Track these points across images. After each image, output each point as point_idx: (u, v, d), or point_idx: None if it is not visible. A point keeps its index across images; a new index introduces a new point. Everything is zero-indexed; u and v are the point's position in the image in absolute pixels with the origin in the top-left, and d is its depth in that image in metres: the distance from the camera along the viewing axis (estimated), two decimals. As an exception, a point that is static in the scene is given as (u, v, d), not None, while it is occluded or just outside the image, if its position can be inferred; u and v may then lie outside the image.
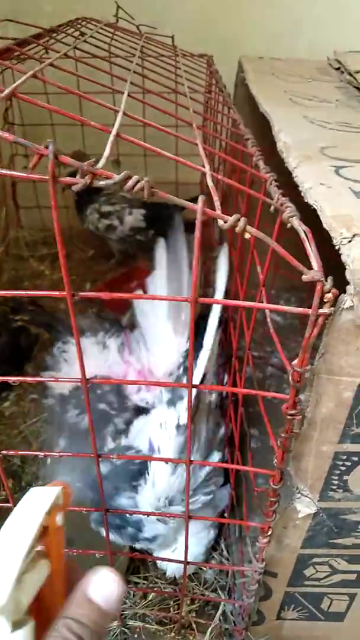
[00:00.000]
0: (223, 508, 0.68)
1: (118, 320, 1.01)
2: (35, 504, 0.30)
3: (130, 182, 0.28)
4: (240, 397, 0.57)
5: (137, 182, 0.28)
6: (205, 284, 1.20)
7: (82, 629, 0.26)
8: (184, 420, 0.66)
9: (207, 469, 0.67)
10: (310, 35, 1.30)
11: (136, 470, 0.63)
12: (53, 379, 0.79)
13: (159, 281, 0.81)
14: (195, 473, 0.66)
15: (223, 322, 0.86)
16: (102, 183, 0.28)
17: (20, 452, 0.68)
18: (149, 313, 0.85)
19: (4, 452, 0.42)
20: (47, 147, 0.26)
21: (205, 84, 0.88)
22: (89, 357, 0.85)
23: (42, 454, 0.48)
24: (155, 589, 0.67)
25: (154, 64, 0.74)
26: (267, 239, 0.30)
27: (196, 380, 0.65)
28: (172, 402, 0.68)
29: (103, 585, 0.28)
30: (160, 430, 0.67)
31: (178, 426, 0.65)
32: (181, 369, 0.76)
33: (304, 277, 0.30)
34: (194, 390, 0.65)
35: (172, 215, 1.35)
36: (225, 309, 0.83)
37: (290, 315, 1.21)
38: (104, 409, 0.76)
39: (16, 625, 0.25)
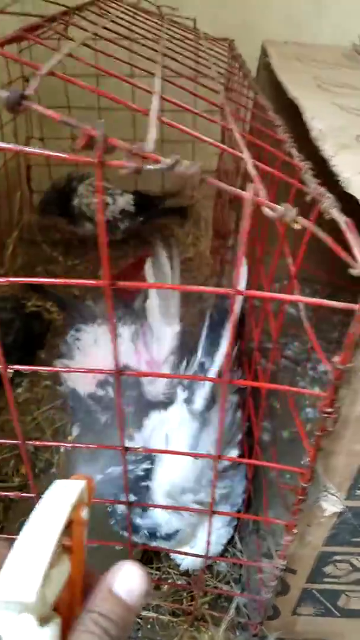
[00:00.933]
0: (240, 502, 0.67)
1: (130, 307, 1.00)
2: (61, 498, 0.29)
3: (181, 167, 0.26)
4: (264, 391, 0.56)
5: (191, 167, 0.26)
6: (220, 273, 1.19)
7: (109, 623, 0.26)
8: (199, 406, 0.65)
9: (225, 463, 0.67)
10: (334, 20, 1.27)
11: (143, 476, 0.62)
12: (84, 370, 0.78)
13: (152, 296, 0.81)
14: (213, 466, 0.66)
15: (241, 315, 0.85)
16: (151, 167, 0.26)
17: (49, 443, 0.68)
18: (150, 308, 0.85)
19: (34, 442, 0.41)
20: (96, 129, 0.25)
21: (227, 68, 0.86)
22: (101, 346, 0.85)
23: (69, 445, 0.48)
24: (169, 580, 0.67)
25: (179, 46, 0.72)
26: (317, 231, 0.29)
27: (212, 373, 0.64)
28: (189, 390, 0.67)
29: (128, 580, 0.28)
30: (176, 420, 0.67)
31: (193, 413, 0.65)
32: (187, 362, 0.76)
33: (354, 271, 0.29)
34: (209, 384, 0.64)
35: (157, 205, 1.35)
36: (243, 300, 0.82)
37: (304, 307, 1.20)
38: (123, 402, 0.76)
39: (43, 621, 0.24)
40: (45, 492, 0.30)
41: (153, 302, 0.80)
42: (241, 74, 0.86)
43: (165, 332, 0.77)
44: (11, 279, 0.30)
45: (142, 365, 0.80)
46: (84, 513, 0.29)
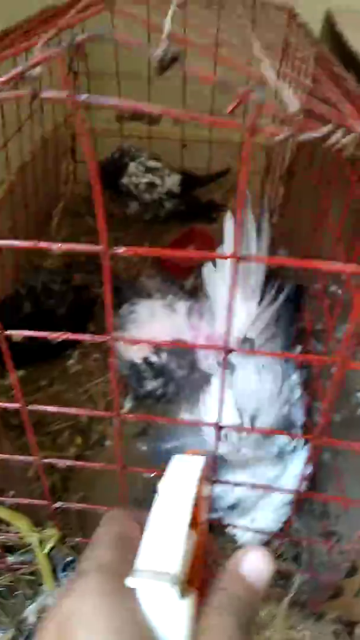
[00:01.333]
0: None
1: (182, 285, 1.00)
2: (187, 474, 0.29)
3: (338, 134, 0.25)
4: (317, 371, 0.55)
5: (345, 135, 0.25)
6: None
7: (240, 603, 0.26)
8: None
9: (286, 443, 0.66)
10: None
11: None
12: (189, 345, 0.77)
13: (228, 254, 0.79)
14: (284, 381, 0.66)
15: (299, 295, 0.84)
16: (306, 136, 0.25)
17: (155, 418, 0.67)
18: (217, 281, 0.84)
19: (127, 415, 0.41)
20: (253, 92, 0.23)
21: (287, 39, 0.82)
22: (157, 320, 0.84)
23: (160, 419, 0.47)
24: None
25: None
26: None
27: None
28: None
29: (256, 564, 0.28)
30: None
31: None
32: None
33: None
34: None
35: (203, 185, 1.32)
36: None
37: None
38: (182, 376, 0.76)
39: (184, 593, 0.25)
40: (166, 466, 0.30)
41: (227, 272, 0.78)
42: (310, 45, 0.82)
43: (240, 307, 0.76)
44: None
45: (199, 340, 0.80)
46: (206, 489, 0.29)
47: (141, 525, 0.29)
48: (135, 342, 0.81)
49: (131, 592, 0.23)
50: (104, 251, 0.30)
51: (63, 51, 0.23)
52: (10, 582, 0.65)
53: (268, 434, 0.66)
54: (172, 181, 1.27)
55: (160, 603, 0.24)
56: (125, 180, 1.24)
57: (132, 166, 1.24)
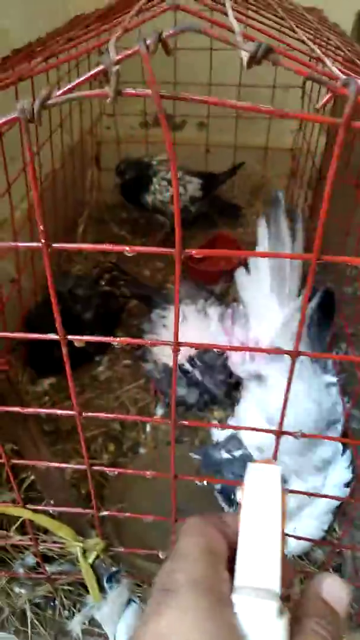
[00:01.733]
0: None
1: (212, 290, 0.99)
2: (268, 484, 0.28)
3: None
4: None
5: None
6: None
7: (331, 628, 0.26)
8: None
9: (325, 451, 0.65)
10: None
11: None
12: (243, 348, 0.76)
13: (260, 265, 0.78)
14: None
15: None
16: None
17: (209, 424, 0.66)
18: (251, 286, 0.82)
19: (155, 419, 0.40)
20: (348, 85, 0.22)
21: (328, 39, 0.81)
22: (190, 325, 0.83)
23: (220, 426, 0.46)
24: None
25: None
26: None
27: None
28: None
29: (335, 590, 0.28)
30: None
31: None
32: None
33: None
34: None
35: (223, 182, 1.31)
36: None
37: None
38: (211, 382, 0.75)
39: (280, 612, 0.24)
40: (244, 476, 0.29)
41: (264, 276, 0.77)
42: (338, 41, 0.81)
43: (276, 314, 0.75)
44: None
45: (234, 345, 0.78)
46: (286, 499, 0.28)
47: (223, 534, 0.28)
48: (197, 345, 0.80)
49: (228, 608, 0.22)
50: (177, 252, 0.29)
51: (151, 46, 0.23)
52: (49, 592, 0.64)
53: (311, 440, 0.64)
54: (194, 187, 1.27)
55: (259, 620, 0.23)
56: (149, 198, 1.24)
57: (155, 182, 1.23)
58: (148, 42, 0.23)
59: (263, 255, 0.78)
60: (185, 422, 0.41)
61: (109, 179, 1.35)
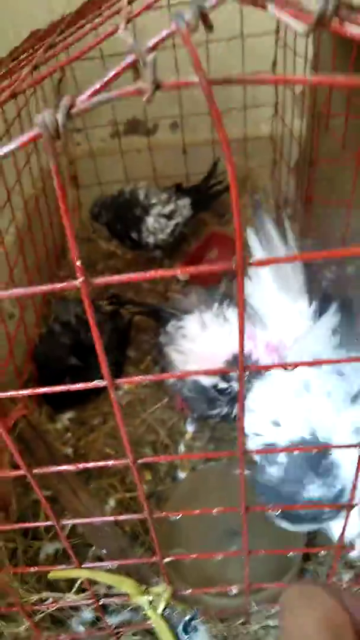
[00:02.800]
0: None
1: (215, 292, 0.94)
2: None
3: None
4: None
5: None
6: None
7: None
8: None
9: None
10: None
11: (317, 457, 0.56)
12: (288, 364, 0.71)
13: (261, 272, 0.75)
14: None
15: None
16: None
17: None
18: (257, 292, 0.78)
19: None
20: None
21: None
22: (211, 332, 0.79)
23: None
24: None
25: None
26: None
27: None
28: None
29: None
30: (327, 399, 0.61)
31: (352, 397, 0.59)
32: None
33: None
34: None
35: (206, 191, 1.26)
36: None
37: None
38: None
39: None
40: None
41: (264, 279, 0.74)
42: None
43: (289, 310, 0.71)
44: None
45: (259, 347, 0.74)
46: None
47: (341, 603, 0.23)
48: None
49: None
50: (239, 266, 0.24)
51: (190, 24, 0.18)
52: (114, 646, 0.59)
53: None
54: (187, 210, 1.20)
55: None
56: (150, 239, 1.15)
57: (149, 223, 1.13)
58: (186, 17, 0.19)
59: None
60: (253, 451, 0.36)
61: (89, 195, 1.30)
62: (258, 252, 0.74)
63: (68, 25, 0.65)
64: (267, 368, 0.67)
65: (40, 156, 0.99)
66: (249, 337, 0.77)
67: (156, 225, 1.14)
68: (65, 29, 0.61)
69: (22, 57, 0.77)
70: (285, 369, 0.60)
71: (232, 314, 0.79)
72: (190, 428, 0.82)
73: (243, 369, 0.32)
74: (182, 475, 0.75)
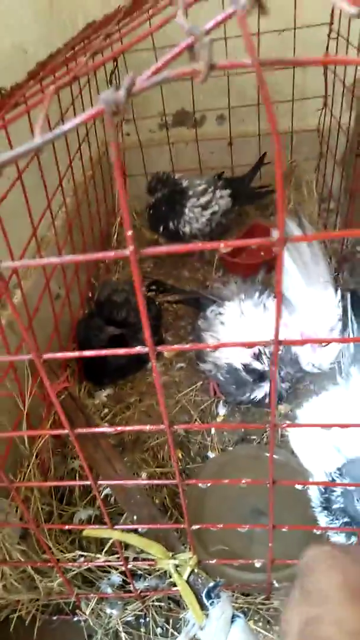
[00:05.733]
0: None
1: (254, 281, 0.95)
2: None
3: None
4: None
5: None
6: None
7: None
8: None
9: None
10: None
11: None
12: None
13: (288, 268, 0.75)
14: None
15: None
16: None
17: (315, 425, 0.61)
18: (290, 285, 0.79)
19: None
20: None
21: None
22: (251, 321, 0.81)
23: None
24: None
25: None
26: None
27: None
28: None
29: None
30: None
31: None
32: None
33: None
34: None
35: (247, 184, 1.26)
36: None
37: None
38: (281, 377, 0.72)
39: None
40: None
41: (292, 273, 0.74)
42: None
43: (320, 299, 0.72)
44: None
45: (294, 336, 0.75)
46: None
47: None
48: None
49: None
50: (280, 241, 0.26)
51: (247, 5, 0.20)
52: (139, 610, 0.62)
53: None
54: (225, 201, 1.21)
55: None
56: (186, 228, 1.17)
57: (186, 213, 1.16)
58: (243, 1, 0.21)
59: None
60: (284, 425, 0.38)
61: (135, 185, 1.33)
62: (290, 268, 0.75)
63: (125, 16, 0.68)
64: (301, 343, 0.68)
65: (91, 145, 1.03)
66: (284, 324, 0.78)
67: (191, 215, 1.16)
68: (121, 20, 0.63)
69: (78, 47, 0.81)
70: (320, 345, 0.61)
71: (271, 303, 0.81)
72: (222, 411, 0.84)
73: (278, 342, 0.33)
74: (211, 454, 0.77)
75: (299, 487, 0.63)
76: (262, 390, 0.74)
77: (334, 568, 0.24)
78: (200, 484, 0.68)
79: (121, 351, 0.35)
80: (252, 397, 0.75)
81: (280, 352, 0.74)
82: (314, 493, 0.60)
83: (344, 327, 0.72)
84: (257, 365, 0.73)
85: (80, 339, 0.90)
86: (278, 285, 0.31)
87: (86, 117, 0.23)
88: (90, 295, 1.03)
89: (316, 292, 0.74)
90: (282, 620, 0.26)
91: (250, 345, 0.71)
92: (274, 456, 0.68)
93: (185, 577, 0.50)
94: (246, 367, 0.73)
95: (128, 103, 0.22)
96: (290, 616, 0.24)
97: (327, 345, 0.70)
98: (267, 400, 0.76)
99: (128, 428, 0.41)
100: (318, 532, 0.57)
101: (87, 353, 0.37)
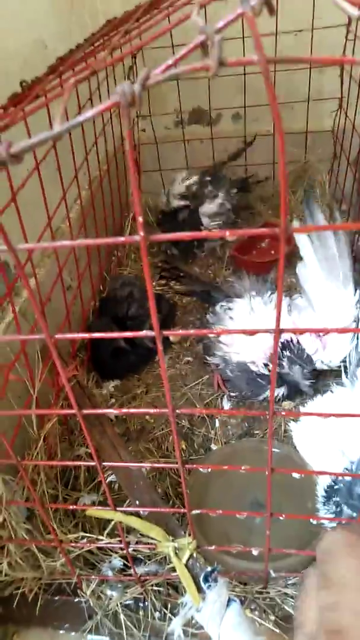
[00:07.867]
0: None
1: (266, 280, 0.97)
2: None
3: None
4: None
5: None
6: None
7: None
8: None
9: None
10: None
11: None
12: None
13: (309, 260, 0.76)
14: None
15: None
16: None
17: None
18: (309, 278, 0.81)
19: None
20: None
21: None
22: (260, 318, 0.82)
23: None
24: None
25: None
26: None
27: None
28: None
29: None
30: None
31: None
32: None
33: None
34: None
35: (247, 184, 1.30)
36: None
37: None
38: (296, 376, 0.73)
39: None
40: None
41: (313, 267, 0.76)
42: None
43: (338, 295, 0.73)
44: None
45: (308, 336, 0.76)
46: None
47: None
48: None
49: None
50: (282, 231, 0.27)
51: (256, 7, 0.22)
52: (139, 594, 0.63)
53: None
54: (234, 199, 1.25)
55: None
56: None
57: (205, 221, 1.20)
58: (252, 2, 0.22)
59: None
60: (285, 413, 0.39)
61: (149, 182, 1.35)
62: (307, 244, 0.76)
63: (143, 13, 0.69)
64: (302, 332, 0.69)
65: (107, 141, 1.04)
66: (294, 323, 0.79)
67: (209, 226, 1.20)
68: (140, 17, 0.65)
69: (98, 43, 0.82)
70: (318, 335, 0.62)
71: (283, 302, 0.82)
72: (226, 405, 0.85)
73: (279, 331, 0.35)
74: (214, 447, 0.79)
75: (299, 480, 0.65)
76: (278, 391, 0.76)
77: (355, 553, 0.24)
78: (202, 470, 0.70)
79: (128, 334, 0.37)
80: (264, 396, 0.76)
81: (297, 351, 0.76)
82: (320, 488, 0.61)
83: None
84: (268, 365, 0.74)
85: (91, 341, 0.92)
86: (280, 269, 0.32)
87: (103, 107, 0.24)
88: (101, 288, 1.05)
89: (335, 288, 0.75)
90: (296, 611, 0.25)
91: (251, 332, 0.72)
92: (276, 450, 0.70)
93: (184, 560, 0.51)
94: (260, 375, 0.75)
95: (143, 96, 0.24)
96: (307, 604, 0.23)
97: (326, 335, 0.71)
98: (282, 401, 0.78)
99: (133, 410, 0.42)
100: (314, 522, 0.58)
101: (96, 335, 0.38)
